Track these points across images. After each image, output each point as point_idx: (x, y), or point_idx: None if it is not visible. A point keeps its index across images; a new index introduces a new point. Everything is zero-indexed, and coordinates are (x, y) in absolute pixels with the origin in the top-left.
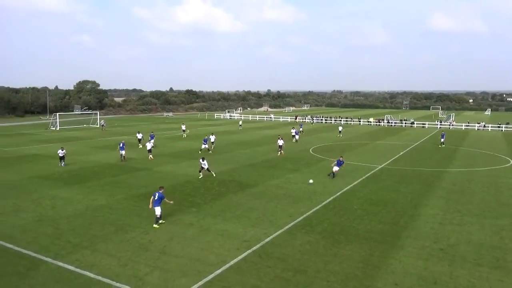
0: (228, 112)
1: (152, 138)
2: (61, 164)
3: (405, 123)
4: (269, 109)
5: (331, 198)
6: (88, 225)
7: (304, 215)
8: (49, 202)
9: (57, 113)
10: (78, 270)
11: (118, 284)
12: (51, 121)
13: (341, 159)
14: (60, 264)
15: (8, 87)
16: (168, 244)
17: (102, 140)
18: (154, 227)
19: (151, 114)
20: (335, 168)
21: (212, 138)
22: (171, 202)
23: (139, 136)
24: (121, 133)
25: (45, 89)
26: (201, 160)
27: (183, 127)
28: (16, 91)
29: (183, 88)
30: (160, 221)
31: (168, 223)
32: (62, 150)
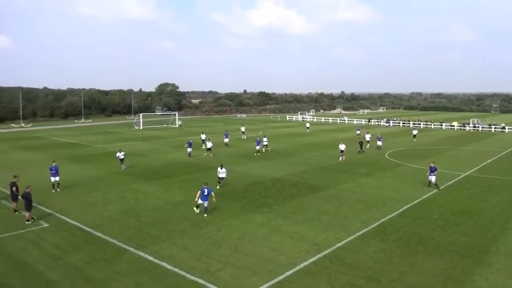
0: (300, 114)
1: (226, 136)
2: (122, 167)
3: (495, 128)
4: (343, 111)
5: (408, 205)
6: (167, 219)
7: (378, 222)
8: (132, 196)
9: (140, 114)
10: (157, 261)
11: (204, 282)
12: (135, 120)
13: (432, 165)
14: (141, 254)
15: (99, 89)
16: (240, 242)
17: (179, 140)
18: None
19: (226, 116)
20: (432, 178)
21: (265, 140)
22: (214, 200)
23: (203, 136)
24: (197, 133)
25: (130, 91)
26: (219, 168)
27: (243, 129)
28: (106, 93)
29: (256, 90)
30: (197, 211)
31: (240, 221)
32: (120, 152)
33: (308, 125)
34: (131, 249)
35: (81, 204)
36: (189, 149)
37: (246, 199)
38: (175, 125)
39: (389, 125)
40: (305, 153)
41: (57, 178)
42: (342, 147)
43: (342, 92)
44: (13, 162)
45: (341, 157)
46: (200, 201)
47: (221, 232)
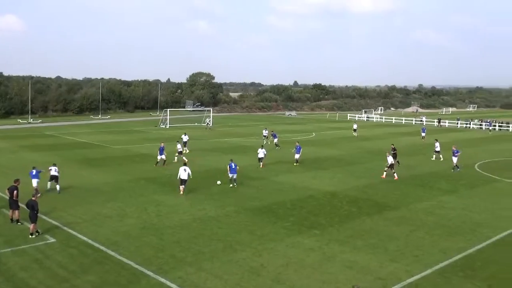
0: (365, 112)
1: (275, 137)
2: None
3: None
4: (420, 110)
5: (505, 233)
6: (194, 239)
7: (463, 253)
8: (154, 209)
9: (167, 109)
10: None
11: None
12: (161, 117)
13: None
14: (162, 280)
15: (120, 80)
16: (283, 271)
17: (214, 142)
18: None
19: (271, 113)
20: None
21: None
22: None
23: (265, 132)
24: (233, 134)
25: (156, 82)
26: (259, 149)
27: (265, 133)
28: (128, 84)
29: (310, 82)
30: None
31: (285, 245)
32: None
33: (355, 126)
34: (150, 273)
35: (94, 216)
36: (160, 156)
37: (293, 218)
38: (204, 123)
39: (492, 128)
40: (370, 162)
41: (37, 181)
42: (390, 159)
43: (420, 85)
44: (16, 163)
45: (385, 173)
46: (230, 175)
47: (261, 257)
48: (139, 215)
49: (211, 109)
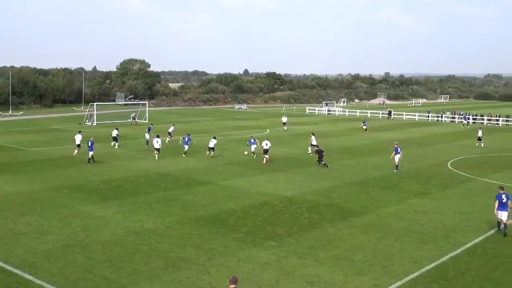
0: (326, 104)
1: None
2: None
3: None
4: (387, 102)
5: (480, 238)
6: (129, 256)
7: (436, 262)
8: (80, 222)
9: (94, 103)
10: None
11: None
12: (86, 113)
13: (501, 192)
14: None
15: (34, 68)
16: None
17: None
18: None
19: (218, 107)
20: (503, 216)
21: (266, 144)
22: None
23: (114, 133)
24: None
25: (80, 71)
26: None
27: (171, 130)
28: (45, 73)
29: (263, 70)
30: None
31: (237, 260)
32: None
33: (284, 119)
34: None
35: (5, 234)
36: (90, 152)
37: (246, 228)
38: (144, 119)
39: (466, 123)
40: (335, 161)
41: None
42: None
43: (387, 74)
44: None
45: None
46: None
47: (209, 275)
48: (62, 230)
49: (147, 102)
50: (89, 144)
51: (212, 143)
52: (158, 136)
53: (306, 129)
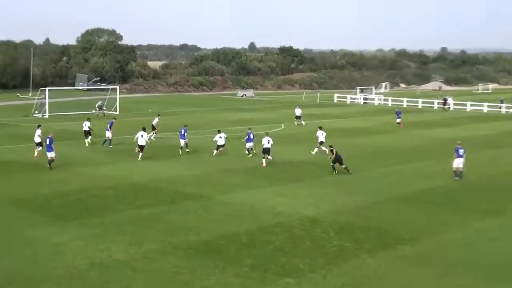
0: (362, 91)
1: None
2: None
3: None
4: (444, 87)
5: None
6: None
7: None
8: (28, 251)
9: (46, 88)
10: None
11: None
12: (35, 101)
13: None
14: None
15: None
16: None
17: (120, 140)
18: None
19: (215, 93)
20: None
21: (267, 141)
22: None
23: (86, 126)
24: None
25: (27, 45)
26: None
27: (155, 122)
28: None
29: (275, 44)
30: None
31: None
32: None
33: (299, 112)
34: None
35: None
36: (49, 154)
37: (252, 260)
38: (115, 110)
39: None
40: (371, 168)
41: None
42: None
43: (443, 49)
44: None
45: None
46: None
47: None
48: (3, 260)
49: (118, 87)
50: (47, 143)
51: (222, 139)
52: (144, 129)
53: (334, 124)
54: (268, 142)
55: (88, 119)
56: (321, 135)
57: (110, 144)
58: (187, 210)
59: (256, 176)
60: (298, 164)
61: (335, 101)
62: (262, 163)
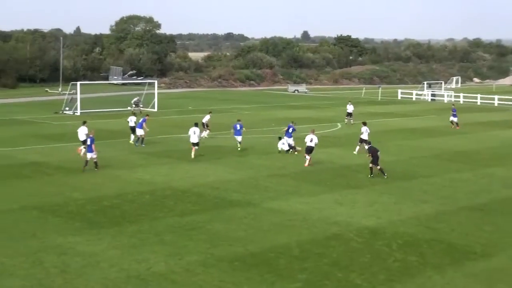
0: (430, 86)
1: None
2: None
3: None
4: None
5: None
6: None
7: None
8: (57, 261)
9: (78, 83)
10: None
11: None
12: (66, 97)
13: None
14: None
15: None
16: None
17: (158, 140)
18: None
19: (263, 88)
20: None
21: (312, 139)
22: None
23: (132, 121)
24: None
25: (56, 34)
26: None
27: (205, 120)
28: (4, 37)
29: (331, 33)
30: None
31: None
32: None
33: (350, 109)
34: None
35: None
36: (89, 154)
37: (305, 275)
38: (153, 108)
39: None
40: (440, 174)
41: None
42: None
43: None
44: None
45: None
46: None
47: None
48: (29, 271)
49: (156, 81)
50: (88, 143)
51: (313, 141)
52: (196, 125)
53: (397, 123)
54: (311, 141)
55: (134, 114)
56: (365, 132)
57: (142, 143)
58: (232, 219)
59: (309, 181)
60: (356, 168)
61: (399, 97)
62: (305, 162)
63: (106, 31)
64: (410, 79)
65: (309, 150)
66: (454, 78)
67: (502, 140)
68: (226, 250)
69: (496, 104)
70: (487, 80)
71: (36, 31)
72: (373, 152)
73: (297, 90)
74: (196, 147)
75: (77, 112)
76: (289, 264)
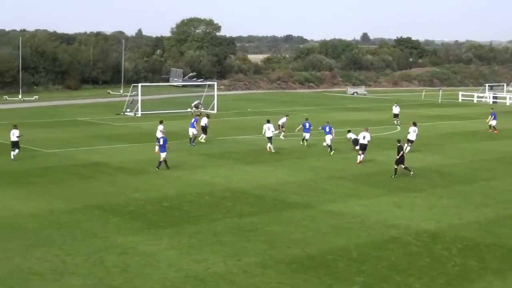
0: (492, 88)
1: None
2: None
3: None
4: None
5: None
6: None
7: None
8: (117, 260)
9: (139, 84)
10: None
11: None
12: (127, 98)
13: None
14: None
15: (55, 32)
16: None
17: (218, 141)
18: None
19: (322, 90)
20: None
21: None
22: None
23: (204, 122)
24: (250, 129)
25: (118, 37)
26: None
27: (281, 122)
28: (68, 39)
29: (391, 35)
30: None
31: None
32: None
33: (397, 110)
34: None
35: (11, 272)
36: (162, 154)
37: (363, 277)
38: (212, 109)
39: None
40: (503, 177)
41: None
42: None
43: None
44: None
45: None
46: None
47: None
48: (91, 270)
49: (215, 83)
50: (161, 143)
51: (366, 138)
52: (269, 122)
53: (457, 126)
54: (364, 138)
55: (207, 116)
56: (412, 132)
57: (193, 142)
58: (291, 221)
59: (368, 184)
60: (416, 171)
61: (460, 100)
62: (357, 159)
63: (167, 33)
64: (471, 81)
65: (362, 147)
66: None
67: None
68: (284, 252)
69: None
70: None
71: (98, 34)
72: (399, 150)
73: (356, 92)
74: (270, 142)
75: (138, 114)
76: (346, 267)
